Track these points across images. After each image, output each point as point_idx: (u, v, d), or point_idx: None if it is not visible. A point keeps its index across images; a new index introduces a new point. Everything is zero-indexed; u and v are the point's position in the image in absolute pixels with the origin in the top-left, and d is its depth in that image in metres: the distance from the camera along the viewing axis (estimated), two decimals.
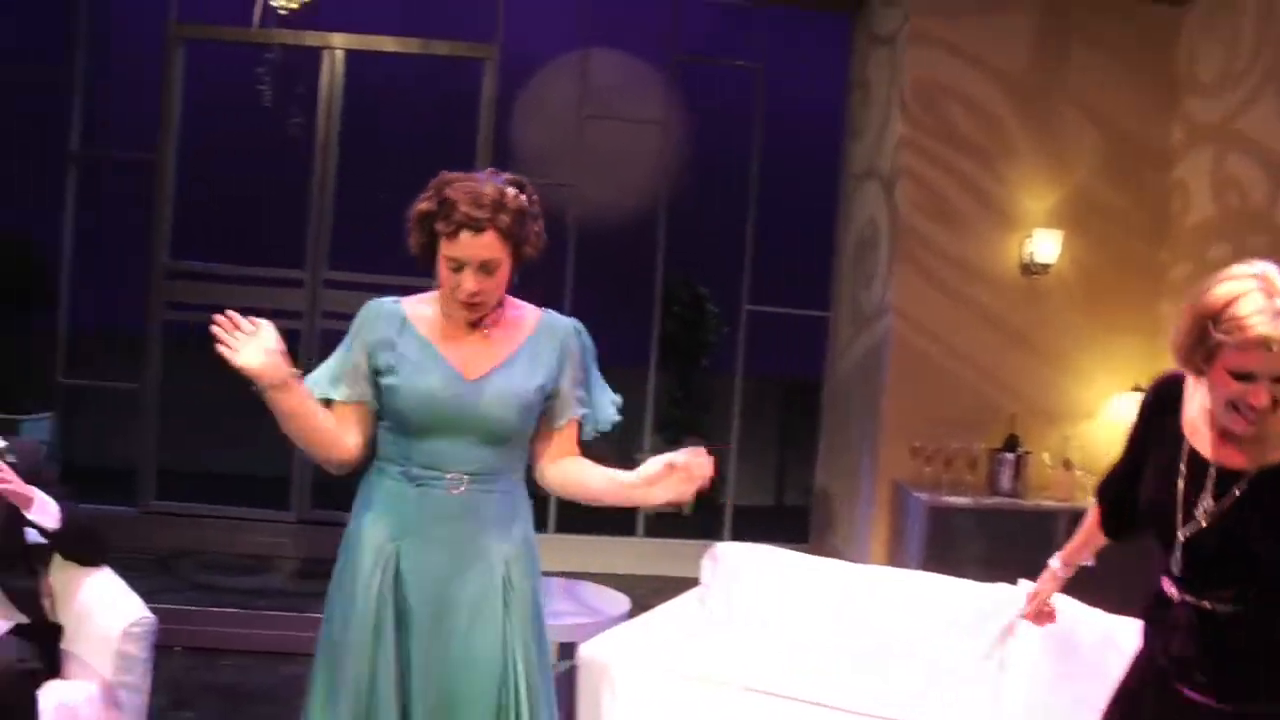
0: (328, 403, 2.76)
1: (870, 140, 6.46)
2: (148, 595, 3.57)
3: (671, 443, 7.98)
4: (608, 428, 2.91)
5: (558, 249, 6.47)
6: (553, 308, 2.90)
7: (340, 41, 6.51)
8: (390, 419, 2.76)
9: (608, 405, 2.91)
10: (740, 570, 3.77)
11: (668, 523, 7.26)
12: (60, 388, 6.70)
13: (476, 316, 2.76)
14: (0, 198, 7.00)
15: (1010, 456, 5.70)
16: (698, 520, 7.68)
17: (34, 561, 3.54)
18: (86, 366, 7.12)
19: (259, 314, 2.61)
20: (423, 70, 7.22)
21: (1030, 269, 5.88)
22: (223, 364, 2.59)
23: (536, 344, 2.82)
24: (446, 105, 6.90)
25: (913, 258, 5.90)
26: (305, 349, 6.32)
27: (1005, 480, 5.70)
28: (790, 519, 7.22)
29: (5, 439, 3.54)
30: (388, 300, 2.83)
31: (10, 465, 3.47)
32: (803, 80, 7.47)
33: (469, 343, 2.78)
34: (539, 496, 2.92)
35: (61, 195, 6.56)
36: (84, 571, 3.57)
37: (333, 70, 6.49)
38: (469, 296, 2.70)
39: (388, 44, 6.62)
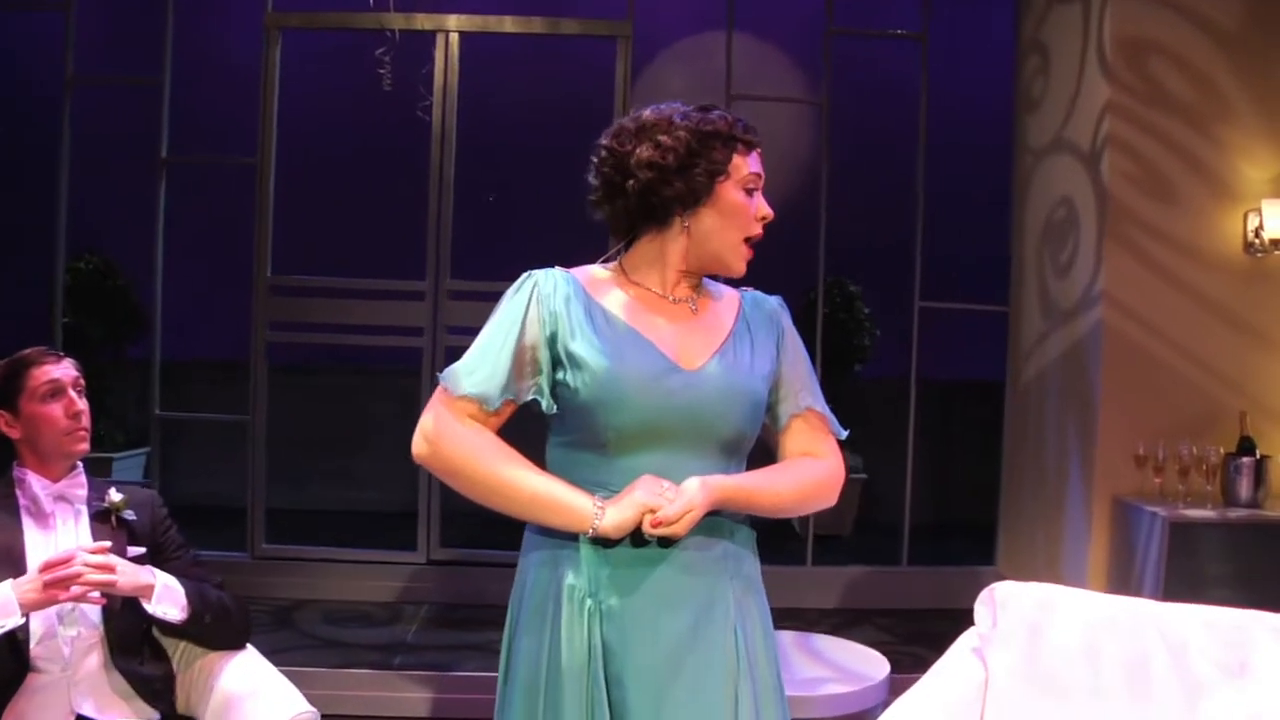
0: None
1: (1055, 110, 5.67)
2: (268, 654, 2.93)
3: None
4: (843, 436, 2.28)
5: None
6: None
7: (455, 24, 5.80)
8: (576, 430, 2.09)
9: (829, 411, 2.28)
10: (1036, 619, 2.98)
11: (833, 547, 6.52)
12: (156, 421, 6.01)
13: (744, 268, 2.22)
14: (88, 216, 6.41)
15: (1247, 461, 4.90)
16: (863, 542, 6.95)
17: (163, 643, 2.88)
18: (184, 396, 6.50)
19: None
20: (546, 53, 6.54)
21: (1255, 247, 5.06)
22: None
23: (750, 323, 2.22)
24: (574, 92, 6.18)
25: (1126, 240, 5.11)
26: (429, 369, 5.62)
27: (1244, 489, 4.90)
28: (970, 537, 6.43)
29: (120, 490, 2.89)
30: (556, 271, 2.16)
31: (128, 523, 2.84)
32: (969, 49, 6.70)
33: (675, 324, 2.15)
34: None
35: (152, 208, 5.89)
36: (223, 654, 2.89)
37: (447, 56, 5.79)
38: (769, 219, 2.20)
39: (508, 24, 5.91)
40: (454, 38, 5.79)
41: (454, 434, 2.07)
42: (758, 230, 2.18)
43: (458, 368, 2.11)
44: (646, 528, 2.00)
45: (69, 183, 5.85)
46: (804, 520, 6.07)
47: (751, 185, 2.17)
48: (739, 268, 2.19)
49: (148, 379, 6.02)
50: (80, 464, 2.89)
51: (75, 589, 2.54)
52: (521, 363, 2.09)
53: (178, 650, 2.93)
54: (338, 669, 4.63)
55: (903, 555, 6.04)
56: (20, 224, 6.23)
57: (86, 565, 2.55)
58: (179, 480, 6.79)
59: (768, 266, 6.65)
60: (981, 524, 6.27)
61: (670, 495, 2.01)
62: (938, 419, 6.71)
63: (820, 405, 2.26)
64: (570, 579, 2.08)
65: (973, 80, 6.72)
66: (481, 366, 2.09)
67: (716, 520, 2.11)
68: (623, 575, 2.06)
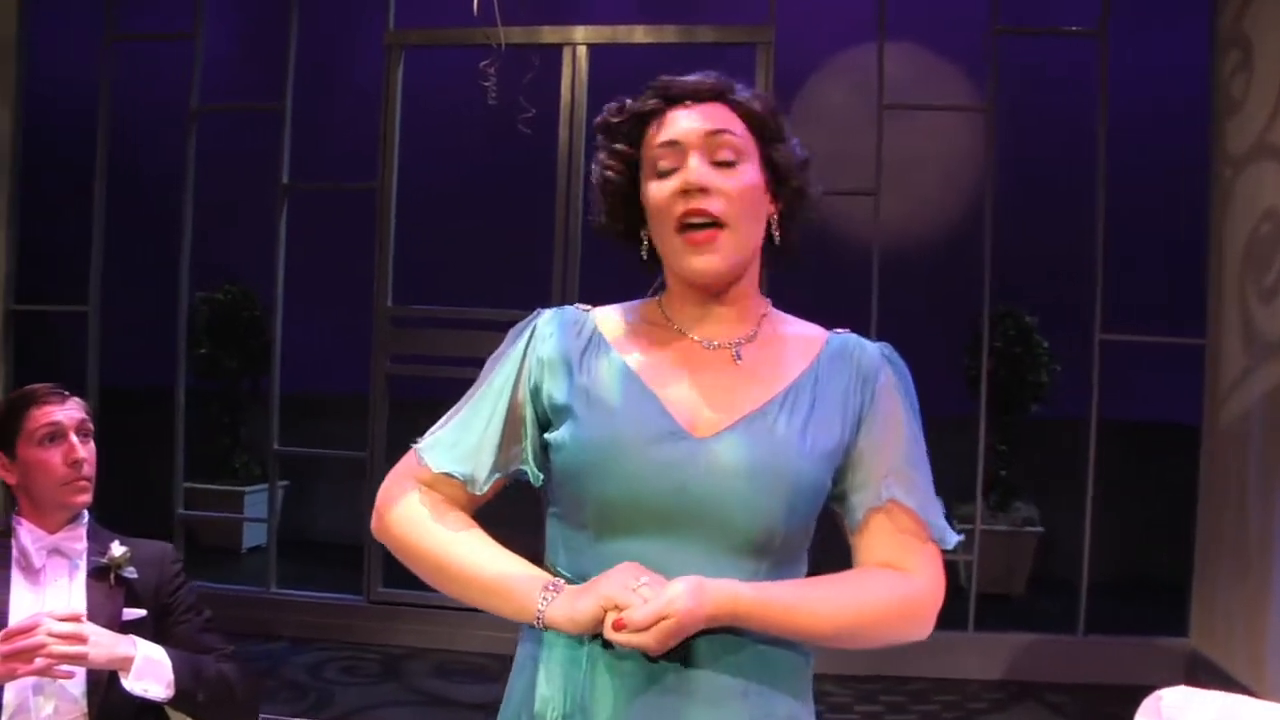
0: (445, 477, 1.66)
1: (1258, 111, 4.95)
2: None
3: (998, 509, 6.64)
4: (951, 545, 1.60)
5: (859, 270, 5.21)
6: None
7: (583, 36, 5.43)
8: (561, 500, 1.59)
9: (939, 507, 1.63)
10: None
11: (1001, 610, 5.85)
12: (274, 456, 5.77)
13: (709, 253, 1.59)
14: (222, 246, 6.29)
15: None
16: (1035, 604, 6.26)
17: (171, 715, 2.52)
18: (316, 430, 6.28)
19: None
20: (680, 63, 6.14)
21: None
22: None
23: (821, 378, 1.59)
24: None
25: None
26: None
27: None
28: (1159, 602, 5.68)
29: (124, 543, 2.53)
30: (569, 308, 1.68)
31: (128, 581, 2.49)
32: (1155, 45, 6.00)
33: (704, 377, 1.58)
34: None
35: (273, 236, 5.67)
36: None
37: (575, 70, 5.43)
38: (692, 184, 1.58)
39: (639, 34, 5.50)
40: (581, 50, 5.42)
41: (403, 505, 1.66)
42: (680, 207, 1.60)
43: (438, 438, 1.68)
44: (607, 630, 1.48)
45: (196, 212, 5.70)
46: (968, 575, 5.41)
47: (665, 164, 1.63)
48: (689, 267, 1.61)
49: (280, 411, 5.80)
50: (85, 514, 2.56)
51: (39, 661, 2.20)
52: (514, 426, 1.66)
53: None
54: None
55: (1079, 621, 5.31)
56: (150, 255, 6.12)
57: (51, 635, 2.20)
58: (305, 517, 6.63)
59: (924, 290, 6.09)
60: (1172, 586, 5.51)
61: (647, 592, 1.48)
62: (1123, 466, 5.97)
63: (916, 500, 1.61)
64: (543, 689, 1.57)
65: (1160, 81, 6.00)
66: (466, 436, 1.66)
67: (737, 640, 1.54)
68: (609, 695, 1.53)
